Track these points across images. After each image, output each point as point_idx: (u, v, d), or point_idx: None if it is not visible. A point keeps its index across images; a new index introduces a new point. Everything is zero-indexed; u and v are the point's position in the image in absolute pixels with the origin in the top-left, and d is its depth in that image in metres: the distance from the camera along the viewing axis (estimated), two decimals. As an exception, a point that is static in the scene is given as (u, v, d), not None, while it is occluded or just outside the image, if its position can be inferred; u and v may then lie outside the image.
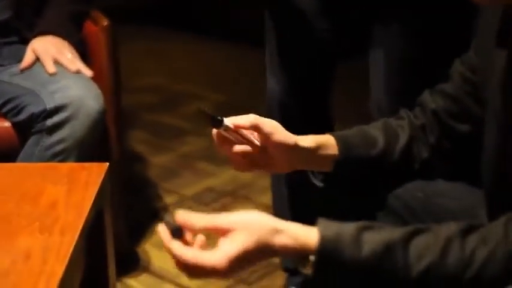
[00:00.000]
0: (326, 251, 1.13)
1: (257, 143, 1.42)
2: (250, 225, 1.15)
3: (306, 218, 1.24)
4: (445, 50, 1.77)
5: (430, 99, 1.53)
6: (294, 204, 2.21)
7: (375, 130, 1.52)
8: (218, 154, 3.24)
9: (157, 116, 3.94)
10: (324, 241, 1.14)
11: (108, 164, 1.63)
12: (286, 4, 2.03)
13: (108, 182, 1.61)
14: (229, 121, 1.38)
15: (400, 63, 1.93)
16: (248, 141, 1.41)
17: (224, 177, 3.13)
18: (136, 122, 3.79)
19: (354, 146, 1.47)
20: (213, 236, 1.18)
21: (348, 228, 1.15)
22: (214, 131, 1.40)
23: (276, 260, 2.45)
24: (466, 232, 1.14)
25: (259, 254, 1.15)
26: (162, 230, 1.18)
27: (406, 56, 1.92)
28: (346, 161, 1.46)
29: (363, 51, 2.04)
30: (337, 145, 1.46)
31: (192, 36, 5.08)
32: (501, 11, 1.30)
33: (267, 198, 2.78)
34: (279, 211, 2.27)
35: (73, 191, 1.53)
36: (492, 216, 1.31)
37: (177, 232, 1.18)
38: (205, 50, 4.92)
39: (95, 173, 1.60)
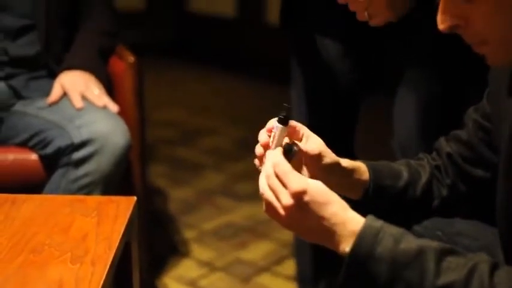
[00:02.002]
0: (367, 235, 1.19)
1: None
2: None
3: (327, 253, 1.28)
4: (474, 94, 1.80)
5: (445, 144, 1.58)
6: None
7: (399, 165, 1.56)
8: (236, 190, 3.32)
9: (176, 150, 3.97)
10: (367, 226, 1.20)
11: (135, 198, 1.67)
12: (310, 49, 2.07)
13: (136, 215, 1.65)
14: (302, 145, 1.45)
15: (431, 105, 1.96)
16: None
17: (243, 212, 3.15)
18: (155, 155, 3.82)
19: (382, 175, 1.52)
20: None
21: (392, 226, 1.21)
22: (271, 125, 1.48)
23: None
24: (495, 266, 1.18)
25: (322, 208, 1.22)
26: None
27: (437, 97, 1.94)
28: (375, 189, 1.50)
29: (385, 89, 2.07)
30: (368, 172, 1.51)
31: (211, 70, 5.10)
32: None
33: (286, 234, 2.81)
34: (300, 247, 2.30)
35: (102, 223, 1.58)
36: (507, 259, 1.35)
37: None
38: (224, 84, 4.94)
39: (123, 206, 1.64)
